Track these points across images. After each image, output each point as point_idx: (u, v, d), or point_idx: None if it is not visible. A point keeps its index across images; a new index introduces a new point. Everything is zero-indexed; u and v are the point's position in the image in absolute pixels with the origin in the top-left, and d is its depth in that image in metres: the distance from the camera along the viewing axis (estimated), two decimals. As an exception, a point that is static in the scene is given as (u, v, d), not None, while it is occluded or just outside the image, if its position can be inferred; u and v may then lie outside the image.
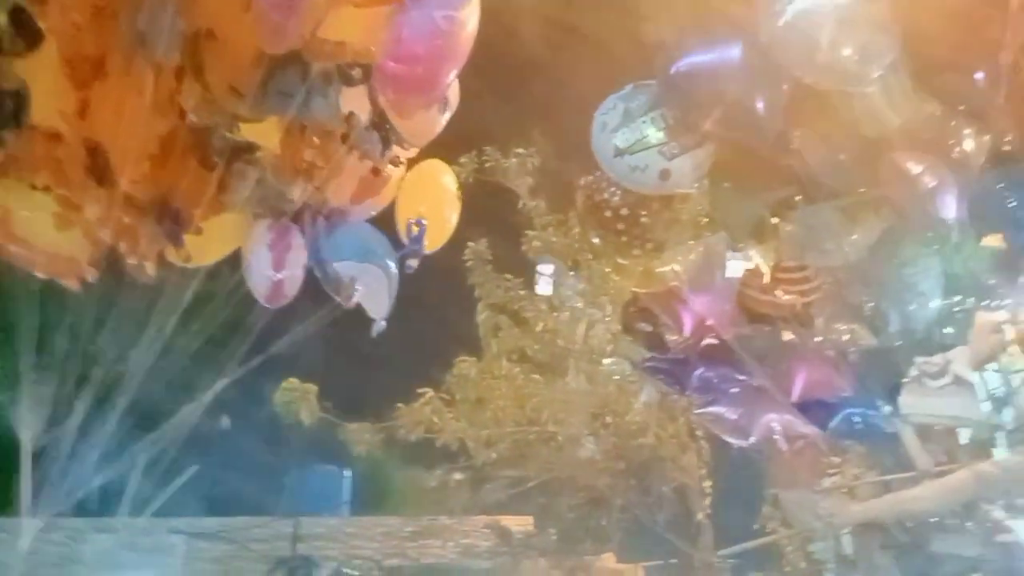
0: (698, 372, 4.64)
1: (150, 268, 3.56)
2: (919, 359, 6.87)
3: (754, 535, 9.81)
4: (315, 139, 3.21)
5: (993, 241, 4.18)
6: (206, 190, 3.28)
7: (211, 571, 11.61)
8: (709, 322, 4.24)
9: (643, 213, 3.89)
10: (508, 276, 10.16)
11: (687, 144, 3.45)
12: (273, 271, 3.65)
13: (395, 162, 3.41)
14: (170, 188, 3.26)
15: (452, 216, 3.91)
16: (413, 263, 3.63)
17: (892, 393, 5.02)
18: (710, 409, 4.80)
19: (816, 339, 4.40)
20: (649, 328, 4.57)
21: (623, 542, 11.08)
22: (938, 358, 6.97)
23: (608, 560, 11.60)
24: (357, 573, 10.92)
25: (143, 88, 2.95)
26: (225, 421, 11.01)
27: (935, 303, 3.93)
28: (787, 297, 4.02)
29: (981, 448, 8.57)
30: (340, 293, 3.69)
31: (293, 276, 3.72)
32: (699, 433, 10.18)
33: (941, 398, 7.04)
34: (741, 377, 4.57)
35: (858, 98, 3.20)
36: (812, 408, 4.54)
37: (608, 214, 3.93)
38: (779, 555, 10.02)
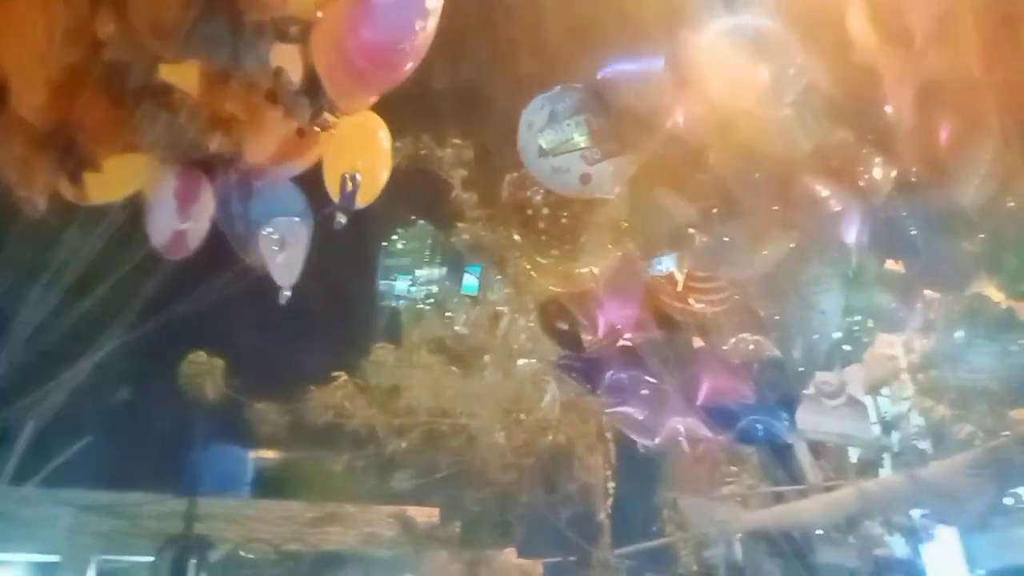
0: (610, 373, 4.72)
1: (41, 202, 3.27)
2: (818, 378, 7.23)
3: (652, 537, 10.10)
4: (238, 90, 3.04)
5: (895, 266, 4.42)
6: (112, 128, 3.05)
7: (96, 546, 11.05)
8: (621, 325, 4.32)
9: (564, 214, 3.91)
10: (437, 262, 10.08)
11: (609, 150, 3.49)
12: (177, 219, 3.39)
13: (323, 125, 3.25)
14: (73, 121, 3.01)
15: (384, 174, 3.76)
16: (342, 219, 3.45)
17: (790, 405, 5.24)
18: (620, 409, 4.90)
19: (723, 347, 4.54)
20: (566, 327, 4.61)
21: (525, 537, 11.19)
22: (835, 378, 7.33)
23: (509, 555, 11.70)
24: (253, 556, 10.65)
25: (52, 11, 2.74)
26: (124, 392, 10.54)
27: (835, 321, 4.10)
28: (698, 305, 4.13)
29: (868, 467, 9.10)
30: (250, 254, 3.49)
31: (198, 228, 3.44)
32: (608, 435, 10.38)
33: (835, 417, 7.40)
34: (651, 380, 4.68)
35: (772, 120, 3.31)
36: (716, 413, 4.69)
37: (530, 212, 3.94)
38: (674, 558, 10.34)
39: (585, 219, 3.87)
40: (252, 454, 12.97)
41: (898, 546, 8.05)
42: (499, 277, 10.00)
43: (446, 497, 11.13)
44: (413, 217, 9.87)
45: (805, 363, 4.54)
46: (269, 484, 13.38)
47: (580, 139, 3.53)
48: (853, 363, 5.56)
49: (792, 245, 3.71)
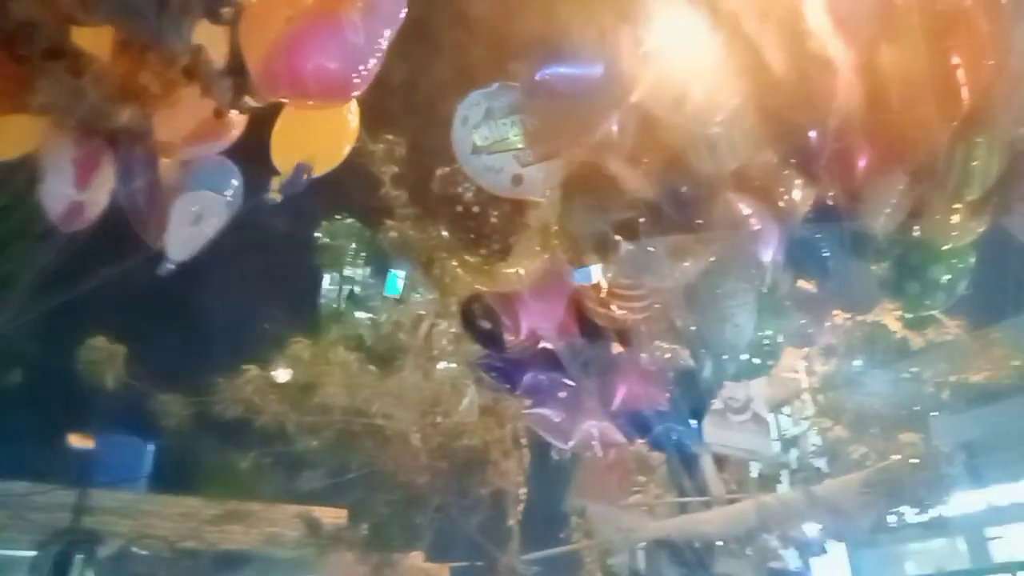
0: (530, 374, 4.74)
1: None
2: (726, 394, 7.49)
3: (560, 544, 10.20)
4: (154, 63, 2.88)
5: (807, 285, 4.63)
6: (8, 85, 2.86)
7: (-28, 539, 10.33)
8: (543, 328, 4.33)
9: (494, 213, 3.89)
10: (360, 260, 9.89)
11: (541, 153, 3.51)
12: (74, 188, 3.18)
13: (242, 108, 3.12)
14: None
15: (347, 148, 3.68)
16: (277, 197, 3.30)
17: (699, 415, 5.41)
18: (537, 410, 4.91)
19: (641, 355, 4.63)
20: (488, 326, 4.60)
21: (433, 541, 11.12)
22: (742, 394, 7.63)
23: (416, 558, 11.60)
24: (146, 553, 10.16)
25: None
26: (15, 375, 9.89)
27: (749, 334, 4.25)
28: (620, 312, 4.20)
29: (768, 482, 9.49)
30: (150, 233, 3.28)
31: (96, 200, 3.21)
32: (523, 441, 10.44)
33: (740, 432, 7.72)
34: (569, 383, 4.71)
35: (703, 136, 3.41)
36: (630, 419, 4.78)
37: (460, 209, 3.90)
38: (579, 565, 10.48)
39: (515, 220, 3.86)
40: (151, 446, 12.40)
41: (791, 559, 8.41)
42: (423, 280, 9.88)
43: (355, 498, 10.93)
44: (339, 216, 9.57)
45: (716, 373, 4.68)
46: (168, 478, 12.83)
47: (515, 139, 3.52)
48: (761, 376, 5.77)
49: (712, 259, 3.82)
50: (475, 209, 3.82)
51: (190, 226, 3.34)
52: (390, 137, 9.22)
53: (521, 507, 10.69)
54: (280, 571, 11.71)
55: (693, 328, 4.22)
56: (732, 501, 7.77)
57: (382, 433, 10.12)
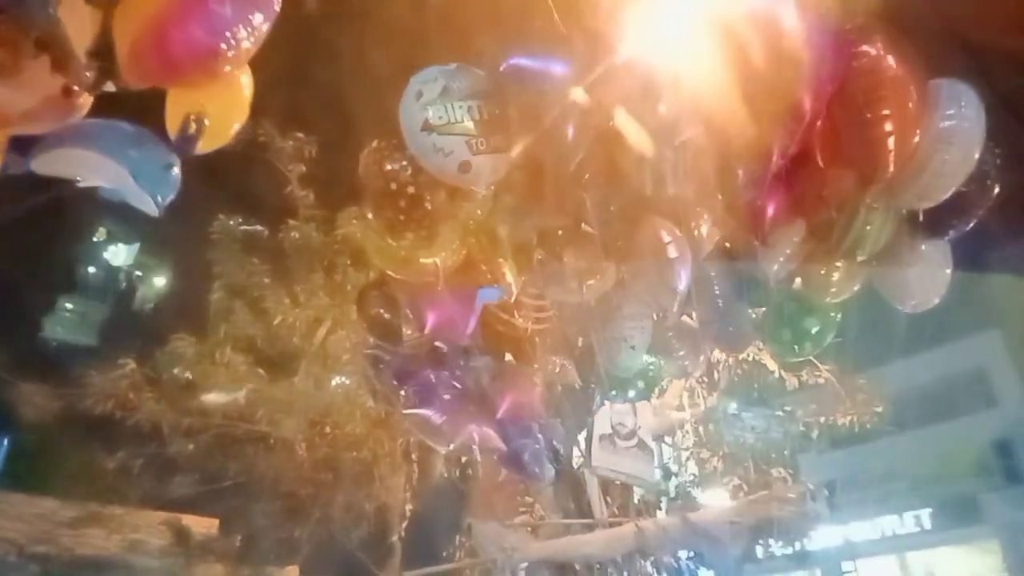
0: (420, 371, 4.66)
1: None
2: (615, 420, 7.70)
3: (444, 562, 10.08)
4: (4, 29, 2.68)
5: (688, 319, 4.84)
6: None
7: None
8: (449, 326, 4.26)
9: (428, 198, 3.77)
10: (255, 260, 9.51)
11: (494, 144, 3.42)
12: None
13: (94, 88, 2.96)
14: None
15: (236, 125, 3.48)
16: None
17: (572, 434, 5.49)
18: (419, 411, 4.82)
19: (533, 366, 4.68)
20: (388, 316, 4.48)
21: (309, 555, 10.72)
22: (630, 421, 7.86)
23: (291, 573, 11.16)
24: (-10, 557, 9.29)
25: None
26: None
27: (640, 357, 4.38)
28: (521, 321, 4.23)
29: (647, 508, 9.78)
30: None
31: None
32: (414, 456, 10.29)
33: (626, 458, 7.93)
34: (457, 385, 4.68)
35: (654, 156, 3.47)
36: (511, 429, 4.81)
37: (393, 187, 3.72)
38: (460, 584, 10.38)
39: (447, 210, 3.76)
40: (4, 439, 11.38)
41: (665, 585, 8.68)
42: (324, 286, 9.62)
43: (229, 507, 10.40)
44: (236, 219, 9.11)
45: (603, 392, 4.80)
46: (23, 476, 11.78)
47: (469, 124, 3.40)
48: (642, 400, 5.95)
49: (618, 279, 3.92)
50: (410, 190, 3.67)
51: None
52: (300, 135, 8.99)
53: (405, 524, 10.51)
54: (142, 581, 10.99)
55: (590, 346, 4.31)
56: (613, 525, 7.95)
57: (265, 440, 9.72)
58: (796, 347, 5.06)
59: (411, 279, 4.12)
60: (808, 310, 4.77)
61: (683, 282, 3.90)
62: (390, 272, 4.25)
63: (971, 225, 4.21)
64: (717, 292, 4.51)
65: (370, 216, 3.94)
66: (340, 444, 9.61)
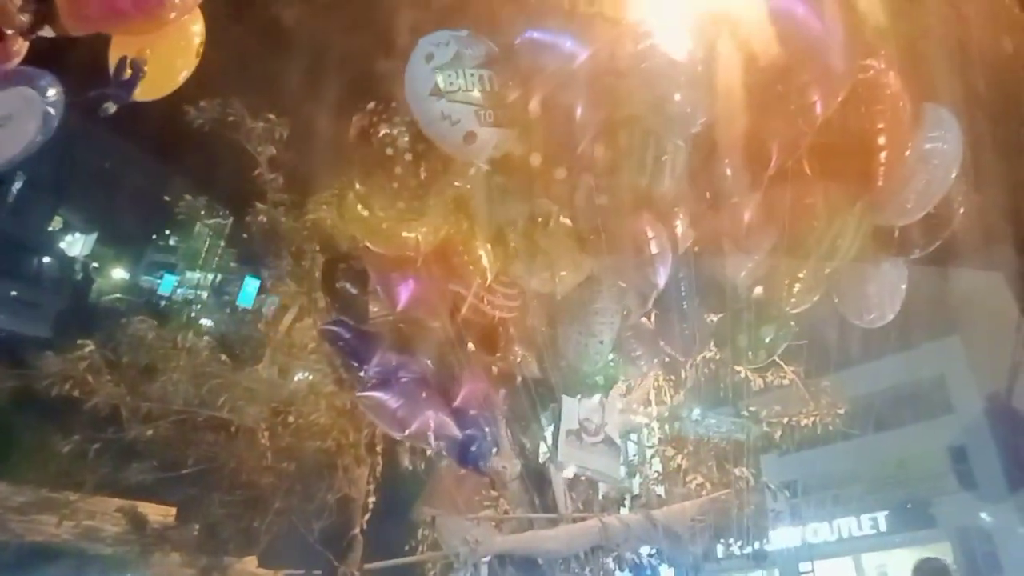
0: (381, 352, 4.51)
1: None
2: (583, 415, 7.68)
3: (405, 556, 9.97)
4: None
5: (646, 320, 4.81)
6: None
7: None
8: (423, 306, 4.11)
9: (424, 167, 3.61)
10: (221, 243, 9.30)
11: (501, 118, 3.28)
12: None
13: (30, 33, 2.82)
14: None
15: (183, 73, 3.33)
16: (110, 107, 2.96)
17: (528, 430, 5.41)
18: (374, 394, 4.65)
19: (495, 355, 4.61)
20: (354, 291, 4.32)
21: (269, 546, 10.56)
22: (596, 417, 7.85)
23: (249, 564, 10.99)
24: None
25: None
26: None
27: (606, 354, 4.35)
28: (489, 307, 4.14)
29: (611, 505, 9.79)
30: None
31: None
32: (378, 448, 10.17)
33: (592, 454, 7.92)
34: (415, 368, 4.55)
35: (661, 147, 3.39)
36: (466, 418, 4.72)
37: (390, 152, 3.54)
38: (421, 578, 10.30)
39: (440, 183, 3.61)
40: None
41: (625, 580, 8.68)
42: (291, 273, 9.43)
43: (188, 496, 10.20)
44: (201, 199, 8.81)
45: (565, 385, 4.76)
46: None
47: (477, 94, 3.26)
48: (598, 394, 5.90)
49: (590, 272, 3.86)
50: (408, 157, 3.53)
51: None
52: (272, 117, 8.78)
53: (368, 516, 10.39)
54: (95, 569, 10.70)
55: (554, 339, 4.25)
56: (577, 520, 7.93)
57: (227, 428, 9.53)
58: (751, 354, 5.09)
59: (390, 253, 3.97)
60: (766, 319, 4.80)
61: (662, 279, 3.87)
62: (369, 244, 4.08)
63: (935, 245, 4.31)
64: (680, 295, 4.50)
65: (357, 184, 3.78)
66: (303, 434, 9.46)
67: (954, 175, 3.90)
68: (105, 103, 2.96)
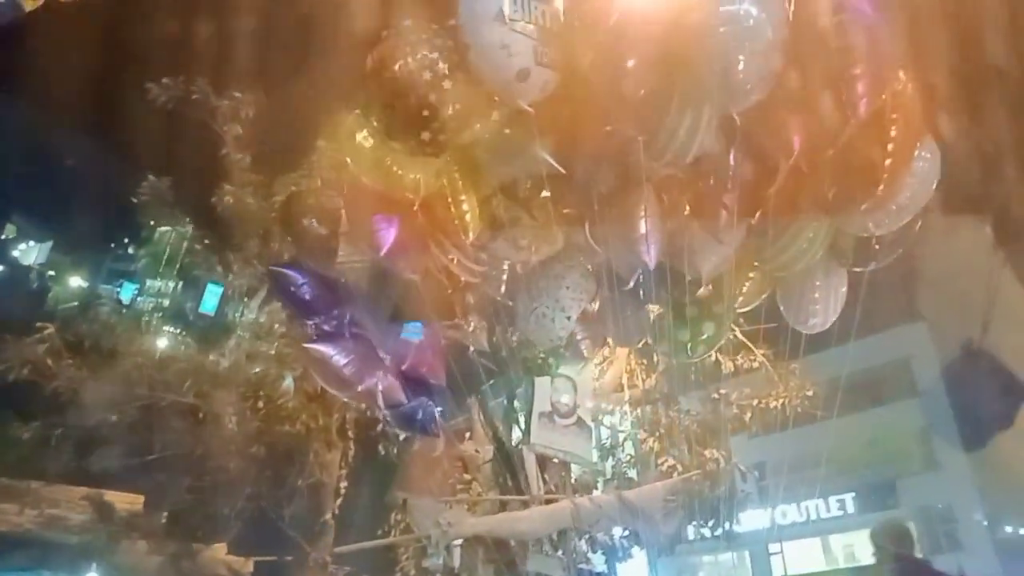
0: (338, 301, 4.29)
1: None
2: (555, 398, 7.68)
3: (377, 540, 9.92)
4: None
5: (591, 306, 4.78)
6: None
7: None
8: (403, 254, 3.92)
9: (453, 106, 3.40)
10: (187, 223, 9.09)
11: (553, 59, 3.14)
12: None
13: None
14: None
15: None
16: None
17: (461, 398, 5.25)
18: (321, 347, 4.45)
19: (451, 321, 4.52)
20: (322, 231, 4.10)
21: (240, 532, 10.42)
22: (568, 399, 7.85)
23: (218, 550, 10.84)
24: None
25: None
26: None
27: (569, 331, 4.31)
28: (458, 268, 4.03)
29: (584, 488, 9.82)
30: None
31: None
32: (350, 434, 10.08)
33: (564, 435, 7.93)
34: (368, 325, 4.36)
35: (706, 120, 3.31)
36: (414, 383, 4.61)
37: (428, 76, 3.37)
38: (394, 562, 10.24)
39: (451, 127, 3.45)
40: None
41: (599, 562, 8.74)
42: (258, 255, 9.22)
43: (155, 482, 10.01)
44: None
45: (513, 361, 4.69)
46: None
47: (543, 30, 3.11)
48: (544, 375, 5.85)
49: (561, 246, 3.82)
50: (431, 98, 3.35)
51: None
52: (238, 95, 8.54)
53: (339, 502, 10.30)
54: (60, 558, 10.49)
55: (518, 312, 4.19)
56: (550, 502, 7.94)
57: (194, 413, 9.35)
58: (690, 349, 5.11)
59: (387, 191, 3.79)
60: (708, 315, 4.82)
61: (653, 259, 3.82)
62: (365, 179, 3.87)
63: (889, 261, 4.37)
64: (642, 281, 4.46)
65: (371, 116, 3.58)
66: (272, 418, 9.32)
67: (934, 187, 3.94)
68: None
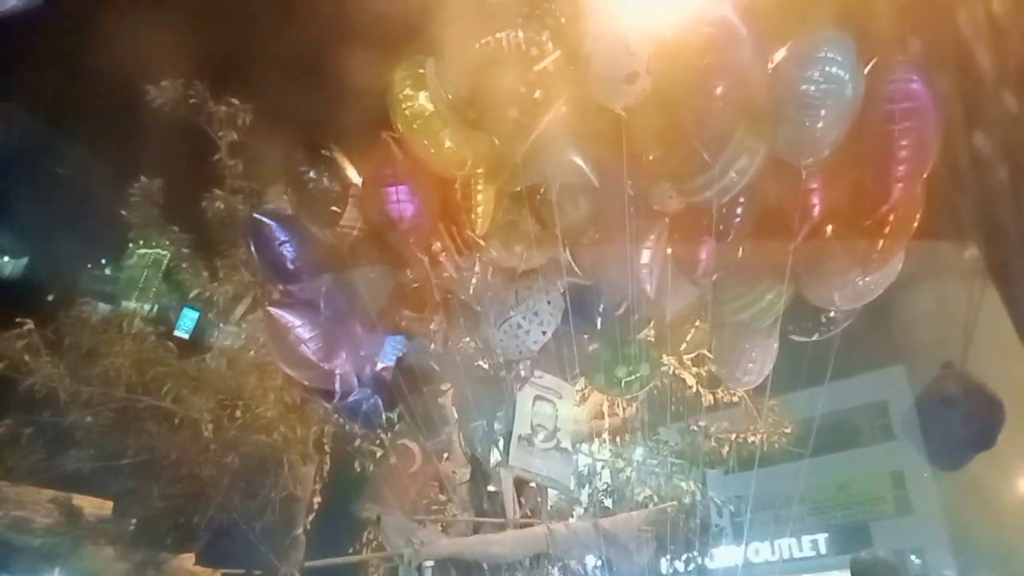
0: (324, 269, 3.97)
1: None
2: (536, 422, 7.67)
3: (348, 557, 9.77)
4: None
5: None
6: None
7: None
8: (417, 232, 3.73)
9: (538, 91, 3.30)
10: (175, 228, 9.05)
11: (660, 74, 3.12)
12: None
13: None
14: None
15: None
16: None
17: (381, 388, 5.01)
18: (286, 313, 4.04)
19: (420, 314, 4.42)
20: (336, 187, 3.79)
21: (209, 543, 10.24)
22: (549, 424, 7.84)
23: (186, 560, 10.66)
24: None
25: None
26: None
27: (541, 343, 4.28)
28: (445, 259, 3.93)
29: (560, 515, 9.77)
30: None
31: None
32: (327, 447, 9.98)
33: (543, 460, 7.89)
34: (341, 302, 4.08)
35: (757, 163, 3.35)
36: (367, 373, 4.46)
37: (535, 52, 3.27)
38: (365, 580, 10.10)
39: (544, 114, 3.34)
40: None
41: (571, 593, 8.65)
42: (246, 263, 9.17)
43: (126, 487, 9.84)
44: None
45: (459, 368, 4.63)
46: None
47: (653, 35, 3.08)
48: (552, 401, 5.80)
49: (544, 262, 3.82)
50: (550, 68, 3.27)
51: None
52: (235, 101, 8.57)
53: (312, 516, 10.16)
54: (21, 560, 10.25)
55: (488, 318, 4.12)
56: (524, 526, 7.89)
57: (170, 418, 9.23)
58: (624, 386, 5.11)
59: (434, 165, 3.61)
60: (643, 357, 4.82)
61: (652, 289, 3.79)
62: (412, 146, 3.64)
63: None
64: (600, 313, 4.45)
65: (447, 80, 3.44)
66: (250, 427, 9.20)
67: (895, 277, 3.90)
68: None
